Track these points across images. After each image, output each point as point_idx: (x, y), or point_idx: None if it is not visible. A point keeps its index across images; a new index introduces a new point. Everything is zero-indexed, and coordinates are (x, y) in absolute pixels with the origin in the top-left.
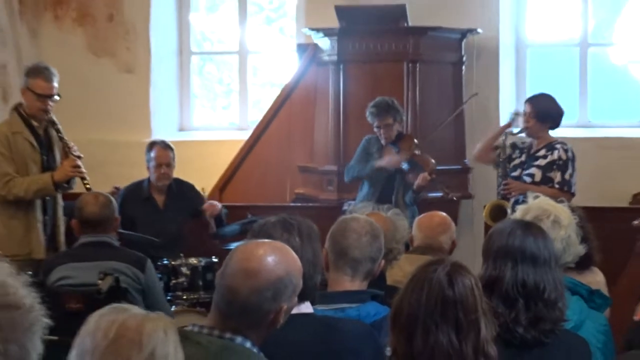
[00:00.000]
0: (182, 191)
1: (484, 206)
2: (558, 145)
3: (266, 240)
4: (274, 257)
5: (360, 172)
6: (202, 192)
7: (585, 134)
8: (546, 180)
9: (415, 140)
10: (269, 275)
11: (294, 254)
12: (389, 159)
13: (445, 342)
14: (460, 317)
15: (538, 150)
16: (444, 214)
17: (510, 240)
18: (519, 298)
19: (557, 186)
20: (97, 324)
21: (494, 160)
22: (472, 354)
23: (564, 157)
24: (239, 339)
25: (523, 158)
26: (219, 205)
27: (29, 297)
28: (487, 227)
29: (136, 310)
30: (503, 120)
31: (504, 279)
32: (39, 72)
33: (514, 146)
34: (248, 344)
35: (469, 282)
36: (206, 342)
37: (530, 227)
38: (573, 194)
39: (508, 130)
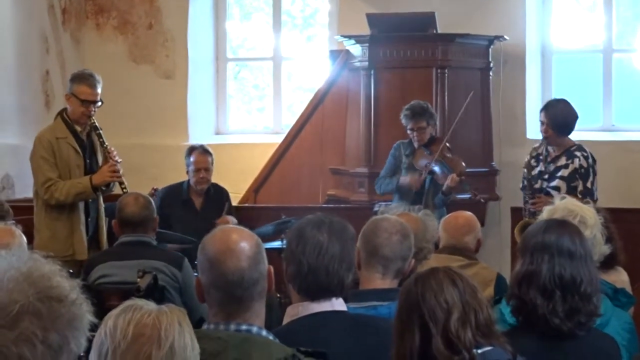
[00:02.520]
0: (219, 195)
1: (517, 225)
2: (578, 153)
3: (215, 230)
4: (240, 232)
5: (387, 187)
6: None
7: (609, 138)
8: (571, 190)
9: (447, 144)
10: (252, 245)
11: None
12: (410, 179)
13: (411, 343)
14: (425, 312)
15: (558, 158)
16: (470, 213)
17: (547, 236)
18: (556, 290)
19: (579, 196)
20: (113, 325)
21: None
22: (442, 343)
23: (585, 164)
24: (254, 329)
25: (542, 167)
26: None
27: (73, 293)
28: (513, 229)
29: (148, 305)
30: (530, 124)
31: (541, 272)
32: (83, 78)
33: (533, 155)
34: (264, 332)
35: (437, 278)
36: (226, 336)
37: (565, 225)
38: (596, 201)
39: (533, 147)
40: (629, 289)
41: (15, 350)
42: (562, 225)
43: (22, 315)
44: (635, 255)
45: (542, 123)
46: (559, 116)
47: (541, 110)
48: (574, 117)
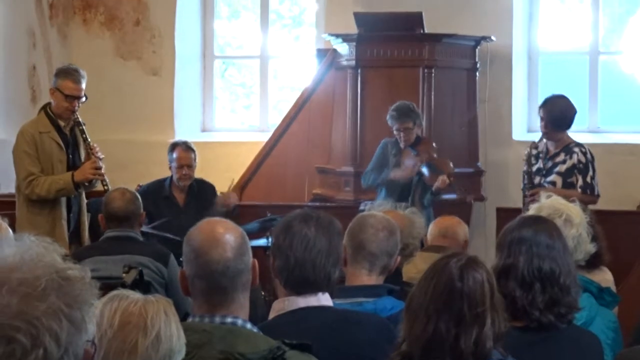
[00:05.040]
0: (203, 191)
1: (504, 225)
2: (576, 149)
3: (201, 221)
4: (226, 224)
5: (375, 180)
6: (232, 183)
7: (594, 140)
8: (567, 186)
9: (434, 144)
10: (237, 236)
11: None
12: (402, 172)
13: (443, 332)
14: (465, 310)
15: (557, 154)
16: (458, 219)
17: (524, 231)
18: (535, 282)
19: (579, 190)
20: (100, 313)
21: None
22: (469, 347)
23: (583, 160)
24: (239, 321)
25: (540, 164)
26: (233, 198)
27: (85, 275)
28: (499, 229)
29: (135, 295)
30: (515, 125)
31: (518, 264)
32: (68, 73)
33: (533, 154)
34: (248, 325)
35: (480, 277)
36: (211, 328)
37: (542, 221)
38: (598, 196)
39: (533, 142)
40: (613, 289)
41: (45, 322)
42: (538, 221)
43: (48, 290)
44: (620, 256)
45: (542, 119)
46: (557, 111)
47: (540, 107)
48: (572, 112)
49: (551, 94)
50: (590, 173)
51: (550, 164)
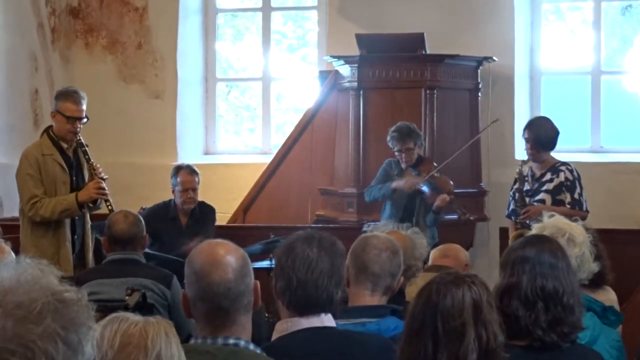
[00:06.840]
0: (205, 214)
1: (505, 245)
2: (562, 167)
3: (203, 244)
4: (226, 246)
5: (379, 192)
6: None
7: (597, 159)
8: (556, 203)
9: (435, 164)
10: (238, 258)
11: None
12: (405, 181)
13: (422, 349)
14: (438, 325)
15: (543, 175)
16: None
17: (527, 250)
18: (538, 301)
19: (568, 206)
20: (100, 335)
21: None
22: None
23: (570, 177)
24: (242, 343)
25: (528, 187)
26: None
27: (82, 297)
28: (502, 249)
29: (135, 316)
30: (518, 145)
31: (521, 283)
32: (68, 95)
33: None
34: (251, 346)
35: (461, 292)
36: (213, 349)
37: (546, 240)
38: (587, 211)
39: (523, 160)
40: (617, 308)
41: (41, 345)
42: (542, 240)
43: (44, 312)
44: (623, 275)
45: (527, 141)
46: (542, 133)
47: (525, 129)
48: (556, 133)
49: (534, 116)
50: (578, 190)
51: (537, 184)
